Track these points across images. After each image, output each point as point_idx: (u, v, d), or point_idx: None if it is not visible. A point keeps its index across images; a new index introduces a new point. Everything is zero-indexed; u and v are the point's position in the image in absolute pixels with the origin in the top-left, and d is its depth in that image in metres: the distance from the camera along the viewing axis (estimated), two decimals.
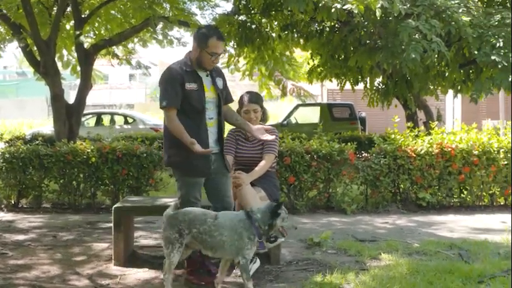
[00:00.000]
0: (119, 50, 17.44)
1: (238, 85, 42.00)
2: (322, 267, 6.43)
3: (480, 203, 10.72)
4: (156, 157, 10.58)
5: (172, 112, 5.62)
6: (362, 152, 15.87)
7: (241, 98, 6.73)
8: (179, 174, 5.82)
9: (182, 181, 5.81)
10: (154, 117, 29.37)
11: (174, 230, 5.30)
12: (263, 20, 15.95)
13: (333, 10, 11.89)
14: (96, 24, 16.62)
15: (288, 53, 17.78)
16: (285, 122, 22.62)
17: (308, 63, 17.92)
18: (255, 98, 6.71)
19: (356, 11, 11.52)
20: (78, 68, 16.00)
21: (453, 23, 12.79)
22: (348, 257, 6.90)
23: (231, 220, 5.36)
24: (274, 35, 16.26)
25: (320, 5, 12.18)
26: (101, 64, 20.92)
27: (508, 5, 14.52)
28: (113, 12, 16.19)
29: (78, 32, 14.33)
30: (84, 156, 10.42)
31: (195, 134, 5.58)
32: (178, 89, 5.62)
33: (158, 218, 9.00)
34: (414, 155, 10.29)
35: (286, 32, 15.64)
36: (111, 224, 6.74)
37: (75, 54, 16.22)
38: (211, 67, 5.82)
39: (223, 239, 5.27)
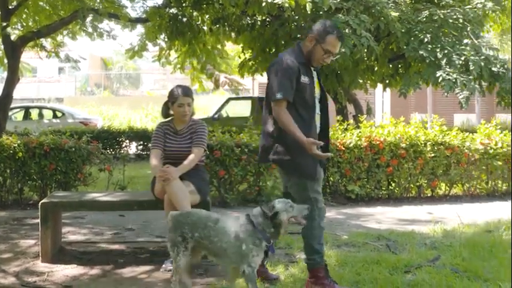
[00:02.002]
0: (47, 42, 17.06)
1: (170, 78, 41.82)
2: None
3: (408, 195, 10.95)
4: (85, 151, 10.41)
5: (285, 105, 5.25)
6: None
7: (173, 91, 6.66)
8: (284, 173, 5.58)
9: (301, 183, 5.42)
10: (83, 111, 28.95)
11: (177, 232, 5.04)
12: (194, 13, 15.86)
13: (263, 4, 11.92)
14: (24, 16, 16.20)
15: (219, 46, 17.73)
16: (216, 116, 22.54)
17: (239, 57, 17.91)
18: (187, 91, 6.66)
19: (287, 5, 11.56)
20: (5, 61, 15.61)
21: (382, 18, 13.01)
22: (277, 250, 6.89)
23: (232, 225, 4.99)
24: (205, 28, 16.21)
25: None
26: (29, 57, 20.52)
27: (436, 1, 14.79)
28: (41, 3, 15.80)
29: (4, 24, 13.99)
30: (11, 151, 10.15)
31: (307, 130, 5.27)
32: (294, 81, 5.29)
33: (87, 213, 8.93)
34: (343, 148, 10.43)
35: (217, 26, 15.61)
36: (39, 220, 6.61)
37: (2, 47, 15.82)
38: (318, 64, 5.55)
39: (224, 246, 4.92)
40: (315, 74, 5.55)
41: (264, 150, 5.53)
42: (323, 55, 5.39)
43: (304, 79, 5.32)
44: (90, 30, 15.85)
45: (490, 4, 14.40)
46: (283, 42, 15.10)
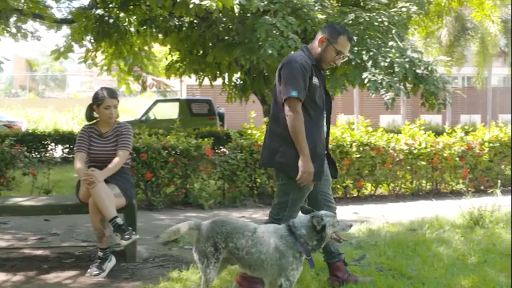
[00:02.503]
0: None
1: (97, 80, 41.28)
2: (179, 263, 6.39)
3: (334, 195, 10.98)
4: (8, 155, 10.18)
5: (299, 105, 5.10)
6: (221, 147, 15.97)
7: (97, 94, 6.55)
8: (289, 177, 5.22)
9: (292, 185, 5.22)
10: (8, 113, 28.31)
11: (209, 242, 4.64)
12: (121, 15, 15.69)
13: (191, 6, 11.84)
14: None
15: (146, 47, 17.57)
16: (144, 118, 22.40)
17: (166, 59, 17.80)
18: (113, 93, 6.57)
19: (214, 7, 11.53)
20: None
21: (309, 20, 13.11)
22: None
23: (272, 235, 4.63)
24: (132, 29, 16.05)
25: (178, 0, 12.13)
26: None
27: (362, 4, 14.99)
28: None
29: None
30: None
31: (316, 133, 5.24)
32: (307, 81, 5.17)
33: (10, 218, 8.69)
34: None
35: (144, 27, 15.47)
36: None
37: None
38: (329, 66, 5.49)
39: (262, 258, 4.58)
40: (322, 77, 5.50)
41: (270, 152, 5.34)
42: (335, 56, 5.37)
43: (315, 81, 5.26)
44: (14, 31, 15.49)
45: (414, 8, 14.68)
46: (210, 44, 15.08)
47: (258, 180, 10.67)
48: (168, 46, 16.94)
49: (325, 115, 5.47)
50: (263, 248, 4.58)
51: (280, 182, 5.32)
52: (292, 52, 5.45)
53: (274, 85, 5.37)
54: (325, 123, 5.47)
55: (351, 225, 4.87)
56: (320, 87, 5.32)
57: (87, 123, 6.70)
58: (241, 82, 16.92)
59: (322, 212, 4.73)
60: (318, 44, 5.37)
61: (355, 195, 11.29)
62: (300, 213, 4.93)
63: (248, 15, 13.02)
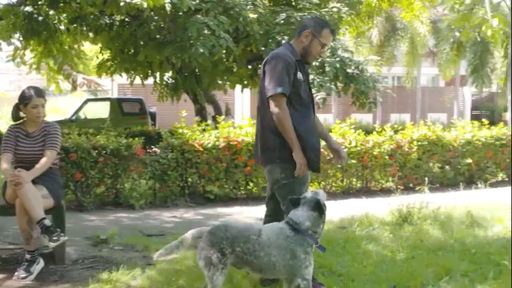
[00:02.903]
0: None
1: (26, 79, 40.40)
2: (108, 264, 6.30)
3: (265, 195, 11.03)
4: None
5: (285, 101, 5.13)
6: (152, 146, 15.84)
7: (24, 93, 6.40)
8: (290, 170, 5.20)
9: (296, 180, 5.23)
10: None
11: (215, 248, 4.46)
12: (51, 12, 15.37)
13: (122, 4, 11.72)
14: None
15: (76, 46, 17.31)
16: (74, 117, 22.03)
17: (97, 57, 17.57)
18: (40, 92, 6.44)
19: (145, 6, 11.42)
20: None
21: (241, 19, 13.13)
22: (135, 253, 6.85)
23: (277, 236, 4.55)
24: (62, 27, 15.76)
25: None
26: None
27: (293, 4, 15.09)
28: None
29: None
30: None
31: (307, 126, 5.29)
32: (291, 77, 5.18)
33: None
34: (201, 149, 10.43)
35: (74, 25, 15.23)
36: None
37: None
38: (315, 59, 5.61)
39: (272, 260, 4.49)
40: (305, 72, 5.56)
41: (268, 149, 5.33)
42: (320, 49, 5.43)
43: (300, 75, 5.29)
44: None
45: (345, 8, 14.85)
46: (142, 43, 14.98)
47: (189, 179, 10.62)
48: (99, 45, 16.74)
49: (311, 108, 5.52)
50: (272, 251, 4.50)
51: (285, 181, 5.27)
52: (278, 49, 5.46)
53: (260, 83, 5.40)
54: (312, 116, 5.52)
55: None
56: (304, 82, 5.38)
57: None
58: (173, 81, 16.86)
59: (310, 195, 4.75)
60: (302, 39, 5.41)
61: None
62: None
63: (180, 14, 12.96)
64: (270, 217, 5.58)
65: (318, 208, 4.62)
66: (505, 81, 27.97)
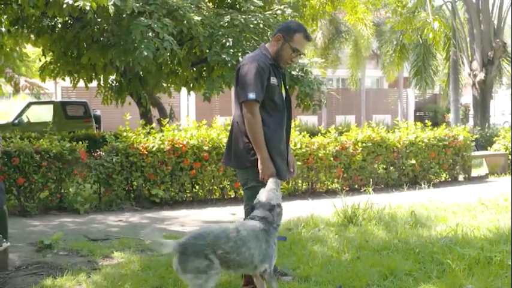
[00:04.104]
0: None
1: None
2: (53, 270, 6.21)
3: (212, 197, 11.09)
4: None
5: (257, 107, 5.13)
6: (97, 150, 15.68)
7: None
8: (258, 175, 5.22)
9: (258, 183, 5.23)
10: None
11: (201, 257, 4.49)
12: None
13: (64, 6, 11.60)
14: None
15: (18, 48, 17.01)
16: (17, 121, 21.64)
17: (40, 60, 17.29)
18: None
19: (88, 8, 11.30)
20: None
21: (185, 22, 13.10)
22: (80, 258, 6.76)
23: (253, 230, 4.75)
24: (3, 29, 15.46)
25: (51, 0, 11.83)
26: None
27: (238, 6, 15.10)
28: None
29: None
30: None
31: (278, 133, 5.33)
32: (264, 82, 5.17)
33: None
34: (146, 152, 10.37)
35: (16, 27, 14.99)
36: None
37: None
38: (286, 64, 5.51)
39: (252, 252, 4.68)
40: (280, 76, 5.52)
41: (241, 153, 5.32)
42: (291, 54, 5.39)
43: (274, 80, 5.28)
44: None
45: (289, 10, 14.91)
46: (85, 45, 14.81)
47: (135, 183, 10.55)
48: (41, 47, 16.49)
49: (285, 114, 5.50)
50: (251, 244, 4.66)
51: (252, 184, 5.31)
52: (253, 52, 5.45)
53: (235, 88, 5.40)
54: (285, 122, 5.52)
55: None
56: (278, 87, 5.37)
57: None
58: (117, 84, 16.70)
59: (261, 192, 4.98)
60: (274, 43, 5.42)
61: (232, 196, 11.35)
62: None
63: (123, 16, 12.86)
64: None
65: (270, 209, 4.85)
66: (447, 83, 28.41)
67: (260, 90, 5.15)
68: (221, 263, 4.58)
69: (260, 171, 5.16)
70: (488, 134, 19.55)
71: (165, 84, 16.27)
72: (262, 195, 4.96)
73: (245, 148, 5.28)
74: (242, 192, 5.71)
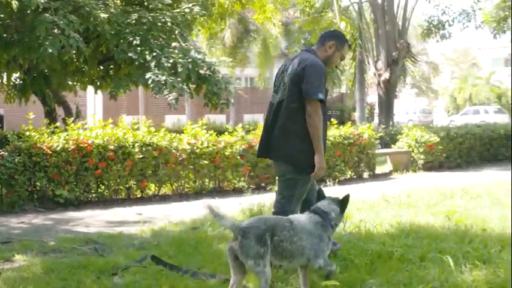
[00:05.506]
0: None
1: None
2: None
3: (117, 197, 11.00)
4: None
5: (320, 107, 5.53)
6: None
7: None
8: (302, 172, 5.63)
9: (302, 179, 5.66)
10: None
11: (261, 242, 4.61)
12: None
13: None
14: None
15: None
16: None
17: None
18: None
19: None
20: None
21: (91, 19, 12.90)
22: None
23: (306, 223, 4.96)
24: None
25: None
26: None
27: (146, 4, 14.97)
28: None
29: None
30: None
31: (324, 132, 5.74)
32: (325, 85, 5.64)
33: None
34: (50, 152, 10.18)
35: None
36: None
37: None
38: (331, 69, 6.14)
39: (303, 244, 4.83)
40: None
41: (284, 147, 5.68)
42: (339, 61, 6.05)
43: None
44: None
45: (197, 9, 14.89)
46: None
47: (38, 183, 10.34)
48: None
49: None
50: (303, 235, 4.84)
51: (288, 177, 5.68)
52: (305, 54, 5.85)
53: (283, 84, 5.73)
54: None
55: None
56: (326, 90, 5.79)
57: None
58: (21, 82, 16.29)
59: (327, 199, 5.24)
60: (326, 49, 5.88)
61: (138, 196, 11.29)
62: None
63: (28, 12, 12.57)
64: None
65: (342, 204, 5.18)
66: (353, 82, 28.98)
67: (324, 92, 5.56)
68: (275, 252, 4.73)
69: (317, 165, 5.54)
70: (392, 132, 20.00)
71: (70, 83, 15.98)
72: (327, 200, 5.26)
73: (295, 144, 5.63)
74: (278, 182, 6.06)
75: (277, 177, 6.13)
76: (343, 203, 5.20)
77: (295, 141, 5.62)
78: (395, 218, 8.16)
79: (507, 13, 25.68)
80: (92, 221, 9.14)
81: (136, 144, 10.87)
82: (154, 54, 13.10)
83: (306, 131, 5.54)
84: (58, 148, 10.25)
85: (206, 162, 11.50)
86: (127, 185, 11.08)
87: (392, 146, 17.67)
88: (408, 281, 5.17)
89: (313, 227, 4.95)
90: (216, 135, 12.15)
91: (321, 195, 5.30)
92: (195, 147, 11.50)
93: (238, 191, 11.50)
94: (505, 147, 18.93)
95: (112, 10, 14.16)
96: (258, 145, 6.20)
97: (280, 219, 4.94)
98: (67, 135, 10.60)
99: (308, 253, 4.87)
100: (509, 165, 17.02)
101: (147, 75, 12.89)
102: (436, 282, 5.07)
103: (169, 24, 13.98)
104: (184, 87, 13.33)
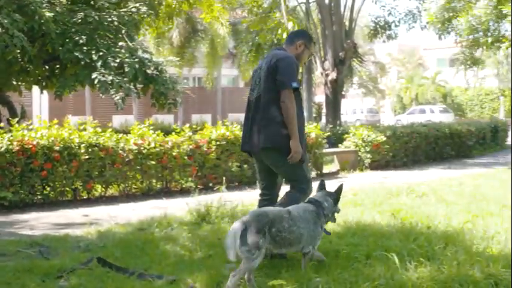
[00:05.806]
0: None
1: None
2: None
3: (63, 198, 10.87)
4: None
5: (293, 95, 5.98)
6: None
7: None
8: (289, 154, 5.97)
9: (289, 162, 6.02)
10: None
11: (261, 233, 4.97)
12: None
13: None
14: None
15: None
16: None
17: None
18: None
19: None
20: None
21: (37, 18, 12.76)
22: None
23: (303, 212, 5.41)
24: None
25: None
26: None
27: (92, 2, 14.87)
28: None
29: None
30: None
31: (301, 120, 6.13)
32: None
33: None
34: None
35: None
36: None
37: None
38: (301, 66, 6.19)
39: (301, 232, 5.27)
40: None
41: (269, 135, 6.05)
42: (307, 58, 6.64)
43: None
44: None
45: (144, 8, 14.84)
46: None
47: None
48: None
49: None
50: (301, 224, 5.28)
51: (281, 163, 6.09)
52: (277, 51, 6.45)
53: (259, 80, 6.21)
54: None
55: (338, 211, 5.96)
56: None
57: None
58: None
59: (321, 192, 5.79)
60: (296, 47, 6.38)
61: (85, 197, 11.17)
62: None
63: None
64: (266, 201, 6.41)
65: (337, 197, 5.76)
66: (301, 82, 29.16)
67: (297, 81, 6.04)
68: (273, 242, 5.10)
69: (292, 149, 5.91)
70: (339, 132, 20.19)
71: (15, 82, 15.77)
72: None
73: (277, 131, 6.01)
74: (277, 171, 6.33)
75: (274, 168, 6.30)
76: (336, 194, 5.74)
77: (276, 127, 6.00)
78: (341, 217, 8.23)
79: (451, 14, 26.16)
80: (37, 223, 9.01)
81: (83, 145, 10.74)
82: (101, 53, 13.03)
83: (282, 117, 5.98)
84: (2, 149, 10.06)
85: (153, 162, 11.44)
86: (73, 186, 10.93)
87: (340, 145, 17.82)
88: (354, 279, 5.20)
89: (309, 215, 5.42)
90: (164, 135, 12.08)
91: (322, 188, 5.81)
92: (142, 148, 11.42)
93: (185, 192, 11.45)
94: (449, 146, 19.32)
95: (58, 9, 14.04)
96: (241, 139, 6.63)
97: (279, 211, 5.34)
98: (11, 136, 10.40)
99: (304, 240, 5.32)
100: (453, 164, 17.39)
101: (94, 75, 12.81)
102: (381, 279, 5.11)
103: (116, 23, 13.92)
104: (131, 87, 13.29)
